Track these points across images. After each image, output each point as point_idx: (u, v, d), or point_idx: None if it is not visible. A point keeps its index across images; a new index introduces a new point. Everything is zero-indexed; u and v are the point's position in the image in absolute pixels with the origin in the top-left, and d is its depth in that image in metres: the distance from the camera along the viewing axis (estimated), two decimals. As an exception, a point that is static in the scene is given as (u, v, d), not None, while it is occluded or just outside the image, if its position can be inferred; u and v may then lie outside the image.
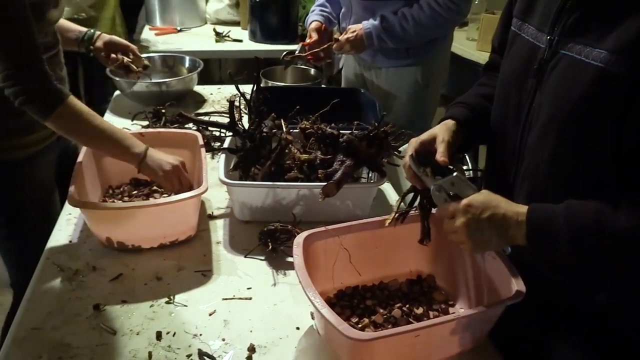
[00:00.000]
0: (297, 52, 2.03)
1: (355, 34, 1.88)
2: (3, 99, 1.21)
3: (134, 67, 1.80)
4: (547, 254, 0.90)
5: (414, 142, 1.06)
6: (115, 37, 1.80)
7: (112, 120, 1.96)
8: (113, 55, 1.77)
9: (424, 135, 1.06)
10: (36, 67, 1.22)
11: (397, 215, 1.08)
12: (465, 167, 2.04)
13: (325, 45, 1.95)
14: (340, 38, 1.90)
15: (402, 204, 1.11)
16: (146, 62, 1.88)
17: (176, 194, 1.32)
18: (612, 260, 0.88)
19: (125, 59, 1.78)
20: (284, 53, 2.05)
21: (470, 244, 0.93)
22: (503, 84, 1.06)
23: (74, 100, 1.26)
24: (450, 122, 1.09)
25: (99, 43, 1.75)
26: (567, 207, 0.87)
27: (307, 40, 2.02)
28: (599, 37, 0.84)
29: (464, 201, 0.92)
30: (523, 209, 0.90)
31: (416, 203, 1.09)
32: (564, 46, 0.90)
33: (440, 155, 1.00)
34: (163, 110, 1.89)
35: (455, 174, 0.95)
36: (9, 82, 1.20)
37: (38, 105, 1.23)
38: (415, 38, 1.88)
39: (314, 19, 2.09)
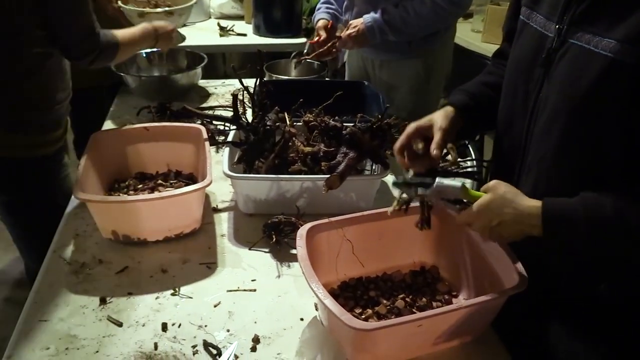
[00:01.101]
0: (305, 51, 2.04)
1: (356, 29, 1.87)
2: (33, 94, 1.23)
3: None
4: (564, 248, 0.90)
5: (412, 127, 1.07)
6: None
7: (117, 115, 1.98)
8: None
9: (422, 121, 1.07)
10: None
11: (399, 206, 1.08)
12: (468, 158, 2.03)
13: (329, 44, 1.94)
14: (342, 35, 1.90)
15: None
16: None
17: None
18: (632, 250, 0.87)
19: None
20: (294, 54, 2.07)
21: (494, 241, 0.97)
22: (511, 73, 1.06)
23: (117, 36, 1.52)
24: (449, 109, 1.09)
25: None
26: (584, 201, 0.86)
27: (315, 39, 2.02)
28: (608, 26, 0.84)
29: (472, 211, 0.93)
30: (535, 205, 0.88)
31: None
32: (572, 35, 0.89)
33: (435, 147, 1.01)
34: (168, 105, 1.90)
35: (436, 183, 0.96)
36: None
37: (105, 57, 1.50)
38: (417, 30, 1.87)
39: (320, 17, 2.09)
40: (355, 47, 1.96)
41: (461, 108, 1.10)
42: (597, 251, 0.89)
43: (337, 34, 1.94)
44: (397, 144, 1.07)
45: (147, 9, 2.10)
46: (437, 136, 1.03)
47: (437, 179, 0.96)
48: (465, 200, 0.99)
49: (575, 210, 0.86)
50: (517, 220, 0.90)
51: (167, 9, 2.10)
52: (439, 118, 1.06)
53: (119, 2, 2.00)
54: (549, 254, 0.99)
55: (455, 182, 0.96)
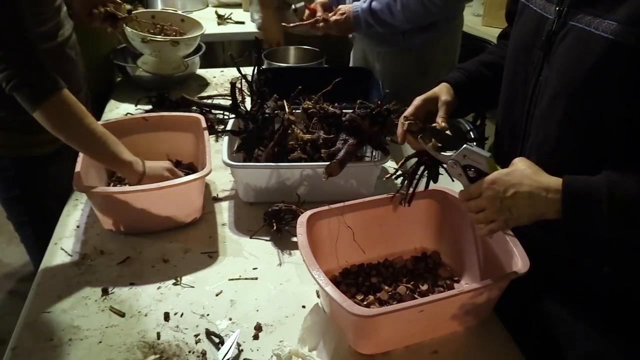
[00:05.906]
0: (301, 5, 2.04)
1: (344, 16, 1.84)
2: None
3: (119, 13, 1.65)
4: (584, 228, 0.85)
5: (417, 100, 1.09)
6: None
7: (116, 106, 1.97)
8: (95, 11, 1.60)
9: (427, 94, 1.10)
10: (30, 52, 1.15)
11: (404, 195, 1.09)
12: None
13: (312, 20, 1.88)
14: (329, 18, 1.86)
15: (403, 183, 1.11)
16: (128, 6, 1.73)
17: None
18: None
19: (107, 8, 1.62)
20: (294, 7, 2.10)
21: (500, 221, 0.90)
22: (511, 57, 1.05)
23: (68, 93, 1.19)
24: (447, 85, 1.11)
25: (76, 4, 1.60)
26: (608, 178, 0.82)
27: (312, 5, 1.94)
28: (609, 7, 0.82)
29: (488, 178, 0.89)
30: (554, 182, 0.84)
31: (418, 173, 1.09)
32: (573, 17, 0.88)
33: (441, 120, 1.04)
34: (166, 94, 1.89)
35: (465, 146, 0.93)
36: (1, 66, 1.12)
37: (30, 90, 1.14)
38: (405, 24, 1.81)
39: None
40: (339, 33, 1.92)
41: (456, 85, 1.11)
42: (616, 231, 0.84)
43: (323, 16, 1.88)
44: (405, 115, 1.07)
45: (150, 36, 1.85)
46: (441, 110, 1.06)
47: (465, 145, 0.94)
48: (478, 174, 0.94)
49: (597, 184, 0.82)
50: (534, 193, 0.85)
51: (173, 38, 1.87)
52: (442, 92, 1.09)
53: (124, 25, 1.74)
54: (552, 239, 0.98)
55: (484, 151, 0.92)
